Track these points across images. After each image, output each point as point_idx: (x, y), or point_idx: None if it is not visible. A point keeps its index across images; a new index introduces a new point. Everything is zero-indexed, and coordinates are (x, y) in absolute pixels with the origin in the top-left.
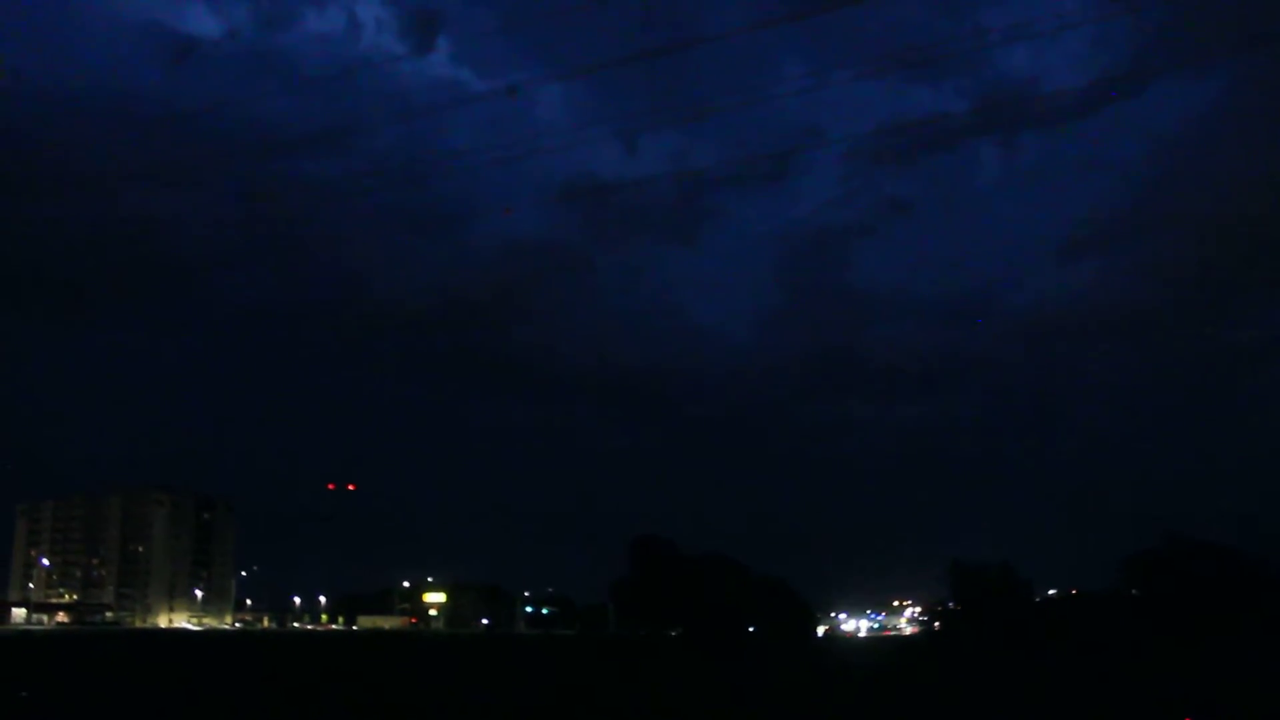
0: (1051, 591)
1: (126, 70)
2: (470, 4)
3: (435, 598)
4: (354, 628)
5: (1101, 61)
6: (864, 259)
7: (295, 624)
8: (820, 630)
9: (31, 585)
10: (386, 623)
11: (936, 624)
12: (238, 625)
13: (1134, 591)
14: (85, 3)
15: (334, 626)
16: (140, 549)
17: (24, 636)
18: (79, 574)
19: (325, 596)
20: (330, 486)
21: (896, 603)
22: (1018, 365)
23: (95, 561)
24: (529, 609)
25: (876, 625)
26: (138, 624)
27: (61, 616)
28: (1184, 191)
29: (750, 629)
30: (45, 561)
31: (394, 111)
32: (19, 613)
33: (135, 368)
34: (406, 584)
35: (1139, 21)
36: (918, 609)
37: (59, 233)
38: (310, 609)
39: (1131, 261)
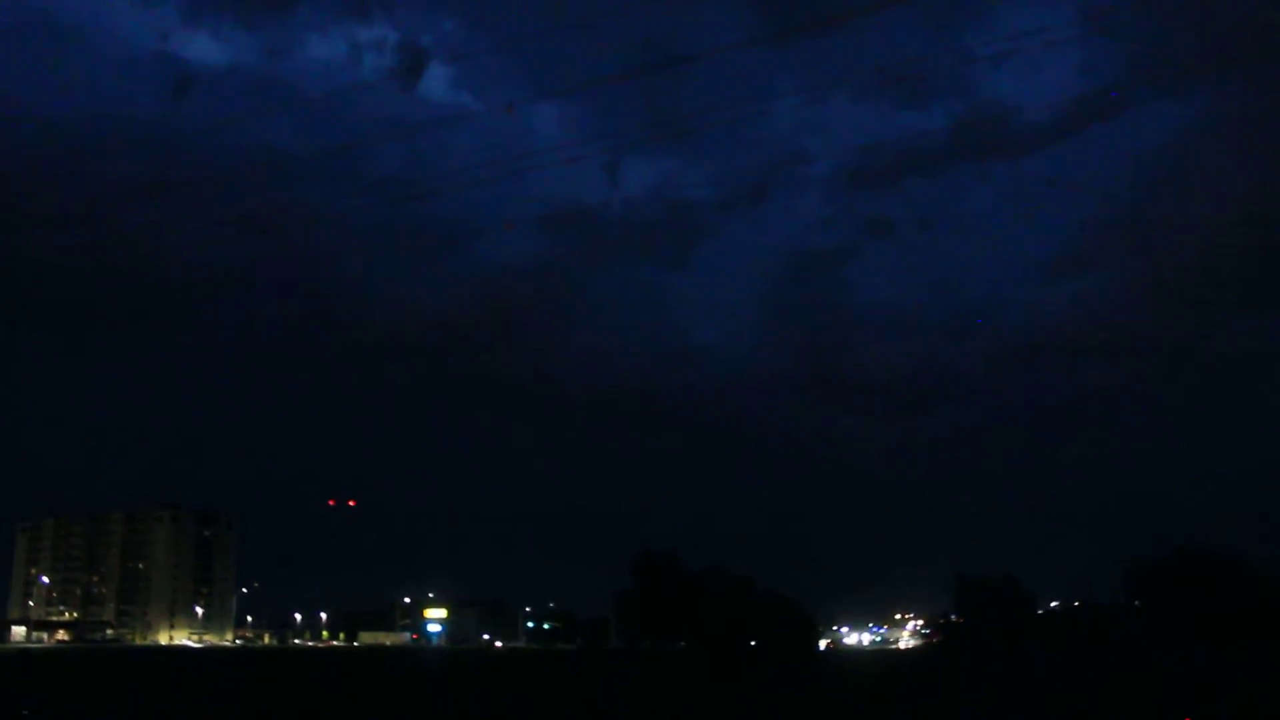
0: (1054, 604)
1: (132, 98)
2: (469, 31)
3: (437, 614)
4: (355, 644)
5: (1085, 84)
6: (860, 277)
7: (296, 640)
8: (822, 644)
9: (31, 603)
10: (388, 639)
11: (937, 638)
12: (238, 642)
13: (1137, 603)
14: (91, 32)
15: (335, 643)
16: (141, 566)
17: (24, 655)
18: (79, 591)
19: (326, 613)
20: (331, 503)
21: (899, 616)
22: (1016, 379)
23: (95, 579)
24: (531, 624)
25: (879, 639)
26: (138, 641)
27: (62, 634)
28: (1165, 209)
29: (753, 643)
30: (45, 579)
31: (393, 136)
32: (19, 631)
33: (137, 385)
34: (408, 600)
35: (1121, 46)
36: (920, 622)
37: (65, 254)
38: (311, 625)
39: (1121, 277)
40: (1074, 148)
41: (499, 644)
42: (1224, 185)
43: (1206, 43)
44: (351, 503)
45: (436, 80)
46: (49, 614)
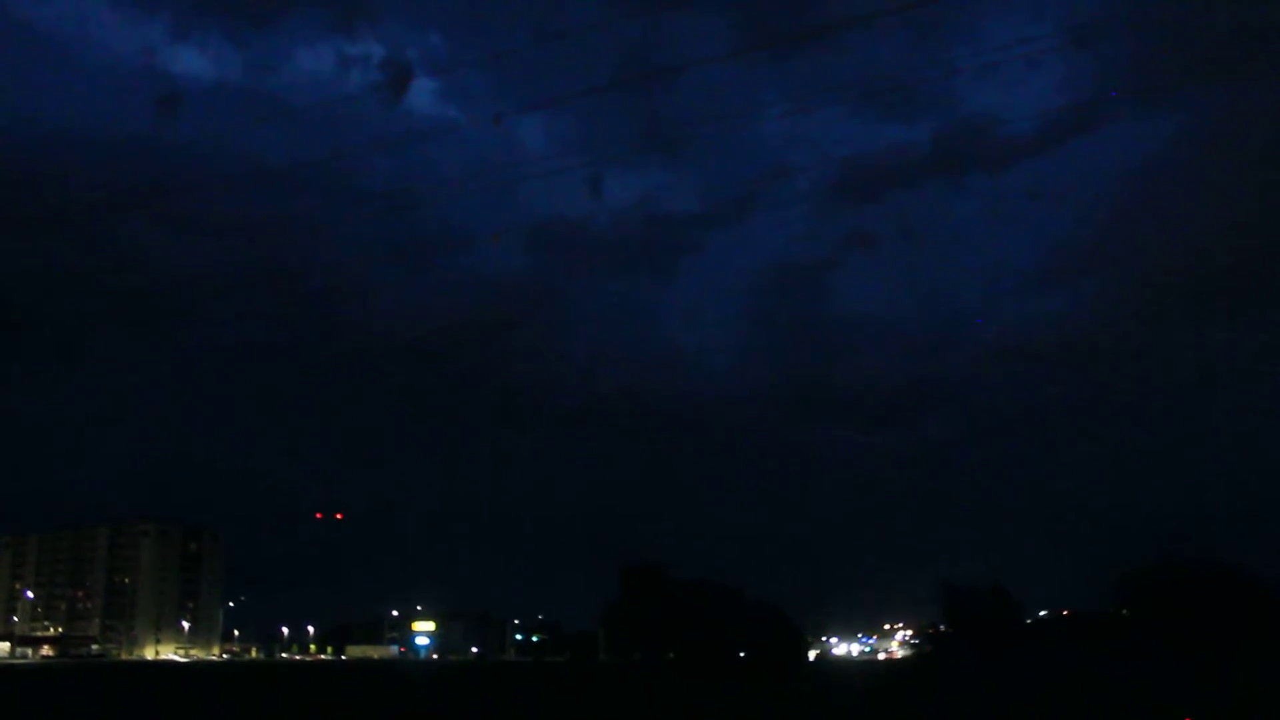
0: (1043, 613)
1: (120, 112)
2: (455, 45)
3: (424, 626)
4: (343, 657)
5: (1067, 98)
6: (845, 288)
7: (283, 654)
8: (811, 654)
9: (16, 618)
10: (375, 652)
11: (928, 647)
12: (225, 656)
13: (1125, 611)
14: (77, 46)
15: (322, 657)
16: (126, 580)
17: (8, 670)
18: (64, 606)
19: (313, 626)
20: (318, 516)
21: (887, 626)
22: (1002, 388)
23: (80, 594)
24: (519, 636)
25: (868, 649)
26: (123, 656)
27: (47, 650)
28: (1146, 219)
29: (741, 654)
30: (29, 594)
31: (380, 149)
32: (3, 646)
33: (122, 398)
34: (396, 613)
35: (1102, 61)
36: (909, 632)
37: (52, 264)
38: (298, 639)
39: (1105, 287)
40: (1057, 160)
41: (435, 655)
42: (1205, 196)
43: (1186, 57)
44: (339, 516)
45: (423, 94)
46: (33, 629)
